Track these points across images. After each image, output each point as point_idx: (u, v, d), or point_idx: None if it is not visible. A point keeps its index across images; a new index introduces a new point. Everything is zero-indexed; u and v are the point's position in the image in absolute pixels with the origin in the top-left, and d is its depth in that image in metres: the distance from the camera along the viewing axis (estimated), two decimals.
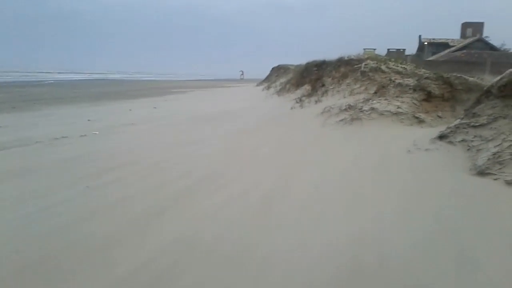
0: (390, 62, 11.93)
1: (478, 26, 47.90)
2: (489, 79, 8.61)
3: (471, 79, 8.84)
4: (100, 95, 25.92)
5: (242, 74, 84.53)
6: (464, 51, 39.14)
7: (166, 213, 4.19)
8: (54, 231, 3.69)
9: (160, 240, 3.51)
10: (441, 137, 5.95)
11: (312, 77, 15.32)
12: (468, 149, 5.28)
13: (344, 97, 10.69)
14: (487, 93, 5.83)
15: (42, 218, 4.03)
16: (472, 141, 5.37)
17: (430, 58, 39.28)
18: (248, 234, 3.62)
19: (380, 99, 8.98)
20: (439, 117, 8.01)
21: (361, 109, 8.81)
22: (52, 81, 50.07)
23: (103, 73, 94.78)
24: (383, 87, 9.67)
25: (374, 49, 33.88)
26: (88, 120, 12.38)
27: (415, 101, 8.53)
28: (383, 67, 11.24)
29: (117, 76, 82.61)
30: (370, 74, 11.06)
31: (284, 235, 3.56)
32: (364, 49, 30.34)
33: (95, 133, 9.67)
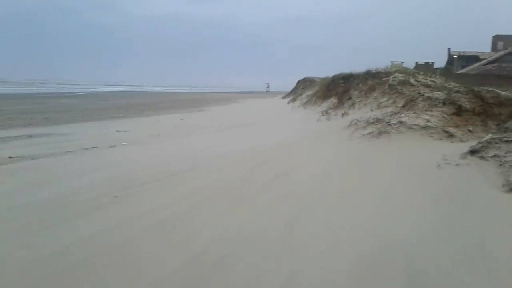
0: (418, 75, 11.79)
1: (509, 39, 46.81)
2: None
3: (503, 93, 8.64)
4: (128, 106, 26.43)
5: (268, 87, 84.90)
6: (495, 64, 38.25)
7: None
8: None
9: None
10: (472, 152, 5.82)
11: (339, 90, 15.27)
12: (500, 165, 5.15)
13: (372, 110, 10.59)
14: None
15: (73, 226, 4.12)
16: (504, 156, 5.24)
17: (460, 71, 38.56)
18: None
19: (408, 113, 8.86)
20: (470, 131, 7.83)
21: (389, 122, 8.70)
22: (82, 93, 51.42)
23: (129, 85, 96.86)
24: (412, 100, 9.54)
25: (402, 62, 33.55)
26: (117, 131, 12.63)
27: (444, 115, 8.37)
28: (411, 80, 11.11)
29: (143, 88, 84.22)
30: (398, 87, 10.95)
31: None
32: (392, 62, 30.05)
33: (124, 144, 9.86)
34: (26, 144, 9.79)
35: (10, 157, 7.84)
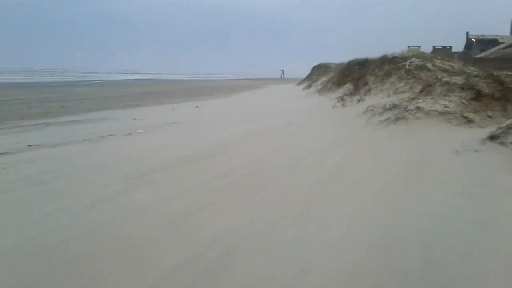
0: (436, 60, 11.59)
1: None
2: None
3: None
4: (143, 95, 26.58)
5: (282, 73, 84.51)
6: None
7: None
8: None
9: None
10: (492, 137, 5.72)
11: (354, 75, 15.12)
12: None
13: (388, 96, 10.47)
14: None
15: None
16: None
17: (479, 56, 37.79)
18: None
19: (426, 98, 8.73)
20: (489, 117, 7.68)
21: (406, 108, 8.59)
22: (98, 81, 51.89)
23: (144, 74, 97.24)
24: (429, 85, 9.39)
25: (419, 47, 32.96)
26: (134, 119, 12.73)
27: (463, 100, 8.22)
28: (429, 65, 10.93)
29: (158, 76, 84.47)
30: (415, 72, 10.78)
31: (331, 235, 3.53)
32: (409, 46, 29.56)
33: (140, 132, 9.94)
34: (45, 133, 9.93)
35: (29, 145, 7.98)
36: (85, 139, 8.78)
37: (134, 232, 3.71)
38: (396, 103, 9.15)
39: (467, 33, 49.05)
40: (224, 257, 3.18)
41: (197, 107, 17.28)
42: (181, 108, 17.08)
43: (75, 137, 9.05)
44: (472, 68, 10.83)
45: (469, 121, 7.61)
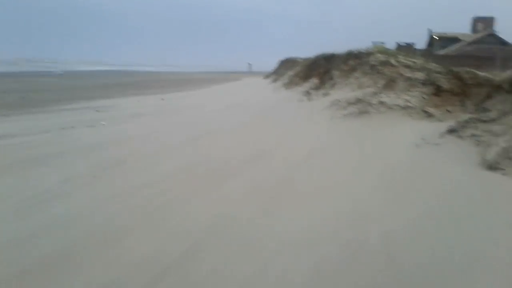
0: (399, 56, 11.83)
1: (489, 21, 47.19)
2: (499, 74, 8.50)
3: (481, 74, 8.74)
4: (109, 87, 25.98)
5: (250, 67, 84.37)
6: (475, 45, 38.69)
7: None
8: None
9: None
10: (451, 131, 5.92)
11: (321, 70, 15.26)
12: (478, 144, 5.25)
13: (353, 91, 10.62)
14: (498, 88, 5.79)
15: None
16: (481, 136, 5.34)
17: (440, 53, 38.90)
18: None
19: (389, 93, 8.92)
20: (449, 111, 7.93)
21: (369, 102, 8.76)
22: (61, 72, 50.30)
23: (112, 64, 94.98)
24: (392, 81, 9.60)
25: (383, 43, 33.60)
26: (97, 111, 12.43)
27: (424, 95, 8.45)
28: (392, 60, 11.14)
29: (127, 68, 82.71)
30: (379, 67, 10.98)
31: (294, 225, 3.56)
32: (373, 42, 30.08)
33: (103, 124, 9.71)
34: (4, 124, 9.57)
35: None
36: (45, 131, 8.52)
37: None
38: (360, 98, 9.30)
39: (430, 30, 50.33)
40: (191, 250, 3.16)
41: (162, 99, 17.05)
42: (146, 100, 16.81)
43: (35, 129, 8.77)
44: (433, 64, 11.12)
45: (430, 116, 7.83)
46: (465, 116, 6.05)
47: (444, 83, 8.52)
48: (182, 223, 3.63)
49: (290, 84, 18.79)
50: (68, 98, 17.03)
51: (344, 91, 11.11)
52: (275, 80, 25.27)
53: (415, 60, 11.61)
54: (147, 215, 3.83)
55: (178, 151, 6.67)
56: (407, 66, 10.61)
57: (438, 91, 8.47)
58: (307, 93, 12.87)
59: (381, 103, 8.51)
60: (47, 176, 5.13)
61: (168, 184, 4.82)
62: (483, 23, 48.05)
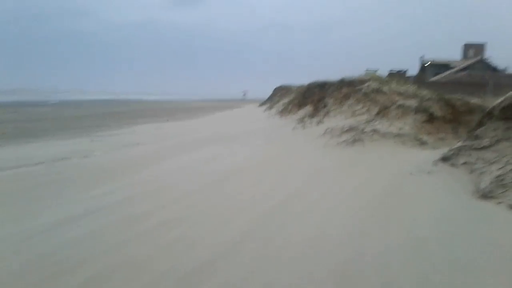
0: (392, 83, 11.98)
1: (479, 47, 48.14)
2: (491, 101, 8.60)
3: (473, 100, 8.85)
4: (104, 116, 26.04)
5: (244, 94, 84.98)
6: (466, 72, 39.29)
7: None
8: None
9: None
10: (444, 159, 5.93)
11: (314, 98, 15.39)
12: (471, 172, 5.25)
13: (346, 118, 10.69)
14: (489, 115, 5.83)
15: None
16: (475, 163, 5.34)
17: (432, 79, 39.43)
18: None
19: (382, 121, 8.99)
20: (441, 139, 7.99)
21: (363, 130, 8.80)
22: (56, 102, 50.47)
23: (105, 93, 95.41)
24: (385, 108, 9.68)
25: (376, 70, 34.09)
26: (91, 140, 12.41)
27: (417, 123, 8.52)
28: (385, 88, 11.28)
29: (121, 97, 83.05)
30: (372, 95, 11.09)
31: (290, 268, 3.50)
32: (366, 70, 30.50)
33: (97, 154, 9.67)
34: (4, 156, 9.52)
35: None
36: (39, 162, 8.47)
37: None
38: (354, 125, 9.36)
39: (421, 57, 51.18)
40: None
41: (158, 128, 17.08)
42: (142, 129, 16.82)
43: (27, 159, 8.72)
44: (425, 91, 11.26)
45: (423, 143, 7.87)
46: (458, 144, 6.07)
47: (436, 110, 8.61)
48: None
49: (284, 112, 18.90)
50: (62, 128, 17.03)
51: (337, 118, 11.18)
52: (269, 108, 25.42)
53: (408, 88, 11.76)
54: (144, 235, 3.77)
55: (172, 180, 6.63)
56: (400, 94, 10.73)
57: (430, 118, 8.55)
58: (302, 121, 12.93)
59: (375, 130, 8.56)
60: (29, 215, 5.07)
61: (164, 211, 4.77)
62: (474, 49, 48.95)
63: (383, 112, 9.57)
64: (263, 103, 37.67)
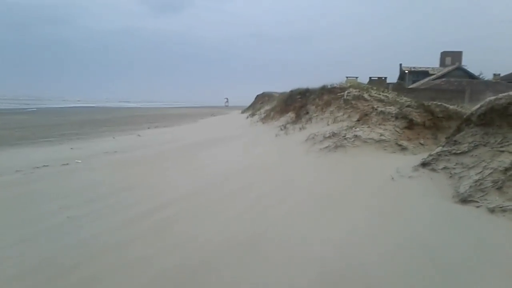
0: (372, 90, 12.13)
1: (456, 55, 49.24)
2: (468, 107, 8.79)
3: (451, 107, 9.02)
4: (82, 124, 25.70)
5: (226, 101, 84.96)
6: (444, 79, 40.11)
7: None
8: None
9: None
10: (424, 164, 6.02)
11: (296, 104, 15.47)
12: (450, 176, 5.34)
13: (328, 125, 10.78)
14: (467, 121, 5.95)
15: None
16: (454, 168, 5.44)
17: (411, 86, 40.12)
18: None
19: (363, 127, 9.08)
20: (421, 144, 8.11)
21: (344, 136, 8.88)
22: (34, 109, 49.62)
23: (84, 101, 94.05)
24: (366, 114, 9.79)
25: (356, 77, 34.55)
26: (71, 148, 12.23)
27: (397, 129, 8.63)
28: (365, 95, 11.41)
29: (100, 104, 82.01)
30: (353, 102, 11.21)
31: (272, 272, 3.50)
32: (347, 77, 30.88)
33: (78, 162, 9.53)
34: None
35: None
36: (17, 170, 8.31)
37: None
38: (336, 132, 9.43)
39: (400, 64, 52.11)
40: None
41: (139, 135, 16.92)
42: (122, 137, 16.64)
43: (6, 169, 8.54)
44: (405, 98, 11.44)
45: (403, 149, 7.98)
46: (437, 149, 6.17)
47: (416, 116, 8.75)
48: None
49: (266, 119, 18.91)
50: (42, 136, 16.73)
51: (319, 125, 11.25)
52: (252, 115, 25.42)
53: (387, 94, 11.94)
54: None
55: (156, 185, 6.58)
56: (380, 100, 10.88)
57: (410, 124, 8.68)
58: (284, 128, 12.98)
59: (356, 137, 8.64)
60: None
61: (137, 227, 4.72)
62: (451, 57, 50.00)
63: (364, 118, 9.68)
64: (245, 110, 37.68)
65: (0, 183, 7.24)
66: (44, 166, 8.89)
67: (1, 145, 13.19)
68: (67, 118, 31.75)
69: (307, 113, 13.29)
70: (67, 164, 9.21)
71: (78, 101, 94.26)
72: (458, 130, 6.06)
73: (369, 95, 11.34)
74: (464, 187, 4.82)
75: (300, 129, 11.93)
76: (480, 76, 46.01)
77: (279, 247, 3.91)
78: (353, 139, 8.59)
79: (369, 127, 8.99)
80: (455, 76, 41.61)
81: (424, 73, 47.34)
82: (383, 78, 48.50)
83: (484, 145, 5.32)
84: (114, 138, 15.96)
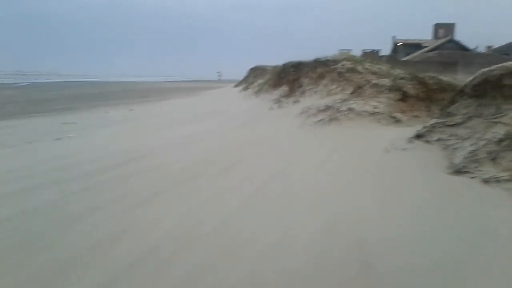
0: (365, 63, 12.07)
1: (449, 27, 48.97)
2: (461, 79, 8.79)
3: (445, 79, 9.03)
4: (75, 98, 25.42)
5: (219, 75, 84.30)
6: (437, 51, 39.98)
7: None
8: None
9: None
10: (418, 136, 6.05)
11: (290, 78, 15.35)
12: (445, 148, 5.38)
13: (322, 98, 10.75)
14: (461, 92, 5.95)
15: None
16: (448, 140, 5.48)
17: (404, 59, 39.98)
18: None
19: (357, 100, 9.07)
20: (415, 116, 8.14)
21: (338, 109, 8.88)
22: (25, 83, 48.94)
23: (76, 75, 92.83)
24: (360, 87, 9.77)
25: (350, 50, 34.27)
26: (63, 123, 12.13)
27: (391, 101, 8.64)
28: (359, 67, 11.36)
29: (92, 79, 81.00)
30: (347, 74, 11.16)
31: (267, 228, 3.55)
32: (340, 50, 30.62)
33: (70, 136, 9.47)
34: None
35: None
36: (11, 145, 8.25)
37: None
38: (330, 105, 9.43)
39: (393, 37, 51.74)
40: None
41: (131, 110, 16.81)
42: (115, 111, 16.52)
43: None
44: (398, 70, 11.40)
45: (397, 121, 8.02)
46: (431, 121, 6.19)
47: (410, 89, 8.75)
48: None
49: (260, 92, 18.81)
50: (33, 110, 16.55)
51: (313, 98, 11.22)
52: (245, 89, 25.28)
53: (381, 67, 11.88)
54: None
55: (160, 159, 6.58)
56: (374, 73, 10.84)
57: (404, 96, 8.69)
58: (278, 101, 12.94)
59: (350, 109, 8.65)
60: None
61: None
62: (444, 29, 49.70)
63: (357, 91, 9.66)
64: (238, 84, 37.44)
65: None
66: (37, 140, 8.82)
67: None
68: (60, 92, 31.48)
69: (301, 86, 13.22)
70: (60, 138, 9.15)
71: (70, 75, 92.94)
72: (452, 101, 6.07)
73: (363, 68, 11.29)
74: (459, 158, 4.86)
75: (294, 102, 11.90)
76: (476, 49, 45.92)
77: (273, 220, 3.96)
78: (347, 112, 8.60)
79: (363, 99, 8.99)
80: (448, 48, 41.47)
81: (417, 46, 47.06)
82: (376, 51, 48.25)
83: (478, 117, 5.35)
84: (107, 112, 15.84)
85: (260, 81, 23.40)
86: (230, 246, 3.44)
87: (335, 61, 12.80)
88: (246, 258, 3.20)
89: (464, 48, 43.56)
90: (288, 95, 13.42)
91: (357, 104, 8.81)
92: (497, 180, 4.17)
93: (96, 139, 9.18)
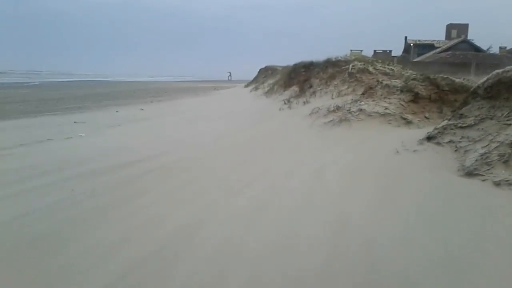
0: (377, 63, 12.01)
1: (462, 28, 48.49)
2: (474, 80, 8.68)
3: (457, 80, 8.91)
4: (86, 97, 25.62)
5: (230, 76, 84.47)
6: (449, 52, 39.63)
7: None
8: None
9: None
10: (429, 138, 5.98)
11: (300, 78, 15.35)
12: (456, 150, 5.31)
13: (332, 98, 10.71)
14: (474, 94, 5.88)
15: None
16: (459, 142, 5.41)
17: (416, 59, 39.68)
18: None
19: (367, 100, 9.01)
20: (427, 118, 8.06)
21: (349, 110, 8.83)
22: (37, 83, 49.51)
23: (86, 75, 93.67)
24: (371, 88, 9.71)
25: (361, 51, 34.14)
26: (74, 122, 12.23)
27: (402, 102, 8.56)
28: (370, 68, 11.31)
29: (102, 78, 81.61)
30: (358, 75, 11.12)
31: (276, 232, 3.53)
32: (351, 50, 30.48)
33: (81, 135, 9.54)
34: None
35: None
36: (21, 144, 8.33)
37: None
38: (340, 105, 9.38)
39: (406, 37, 51.41)
40: None
41: (142, 109, 16.89)
42: (125, 110, 16.61)
43: (12, 142, 8.55)
44: (410, 71, 11.31)
45: (408, 122, 7.94)
46: (443, 123, 6.12)
47: (421, 90, 8.65)
48: None
49: (270, 92, 18.82)
50: (44, 109, 16.71)
51: (324, 99, 11.19)
52: (255, 89, 25.31)
53: (392, 67, 11.80)
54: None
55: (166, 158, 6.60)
56: (385, 73, 10.78)
57: (415, 98, 8.60)
58: (288, 101, 12.92)
59: (361, 110, 8.59)
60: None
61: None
62: (457, 29, 49.22)
63: (368, 92, 9.60)
64: (248, 84, 37.46)
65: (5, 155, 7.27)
66: (48, 139, 8.90)
67: (5, 119, 13.18)
68: (71, 92, 31.70)
69: (311, 86, 13.20)
70: (71, 137, 9.22)
71: (81, 75, 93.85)
72: (464, 103, 6.00)
73: (374, 68, 11.24)
74: (470, 160, 4.80)
75: (304, 103, 11.87)
76: (490, 50, 45.44)
77: (282, 215, 3.94)
78: (357, 113, 8.54)
79: (374, 100, 8.92)
80: (460, 49, 41.09)
81: (430, 46, 46.73)
82: (388, 51, 47.98)
83: (491, 119, 5.27)
84: (117, 111, 15.93)
85: (271, 81, 23.42)
86: (236, 246, 3.43)
87: (346, 62, 12.77)
88: (250, 259, 3.19)
89: (477, 49, 43.13)
90: (298, 95, 13.40)
91: (367, 105, 8.75)
92: (509, 183, 4.10)
93: (106, 139, 9.24)
